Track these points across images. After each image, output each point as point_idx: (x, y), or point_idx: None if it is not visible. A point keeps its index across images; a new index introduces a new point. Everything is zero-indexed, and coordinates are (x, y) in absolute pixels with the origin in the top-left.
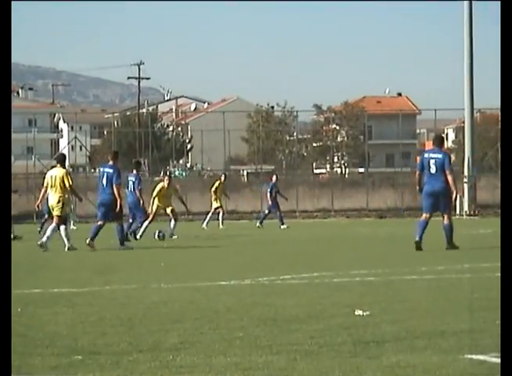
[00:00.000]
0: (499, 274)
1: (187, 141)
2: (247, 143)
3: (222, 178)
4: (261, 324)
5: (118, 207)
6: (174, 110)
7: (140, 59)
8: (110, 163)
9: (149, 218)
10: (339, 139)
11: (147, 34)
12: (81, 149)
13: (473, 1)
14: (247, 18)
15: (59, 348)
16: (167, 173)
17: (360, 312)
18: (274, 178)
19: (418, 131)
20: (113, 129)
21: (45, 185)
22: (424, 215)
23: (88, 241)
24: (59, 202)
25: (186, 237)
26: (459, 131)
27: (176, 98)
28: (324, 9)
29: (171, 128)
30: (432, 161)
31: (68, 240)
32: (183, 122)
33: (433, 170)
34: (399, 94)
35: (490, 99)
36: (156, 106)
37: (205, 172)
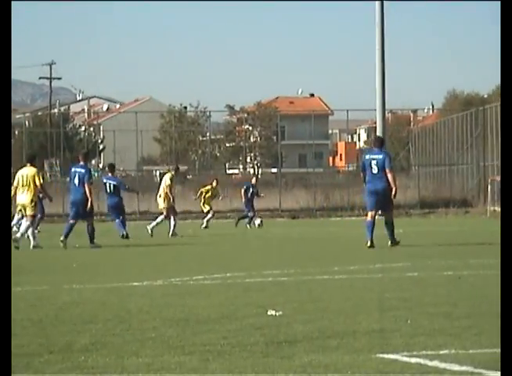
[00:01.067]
0: (416, 273)
1: (99, 141)
2: (160, 144)
3: (214, 183)
4: (173, 325)
5: (90, 205)
6: (86, 110)
7: (52, 59)
8: (81, 163)
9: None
10: (252, 139)
11: (58, 33)
12: None
13: (384, 2)
14: (158, 17)
15: None
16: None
17: (273, 313)
18: (254, 180)
19: (330, 131)
20: (24, 129)
21: (14, 184)
22: (370, 214)
23: (61, 238)
24: (31, 201)
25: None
26: (371, 131)
27: (88, 98)
28: (235, 8)
29: (83, 129)
30: (374, 162)
31: (34, 238)
32: (95, 122)
33: (375, 170)
34: (312, 95)
35: (401, 99)
36: (68, 107)
37: (118, 173)
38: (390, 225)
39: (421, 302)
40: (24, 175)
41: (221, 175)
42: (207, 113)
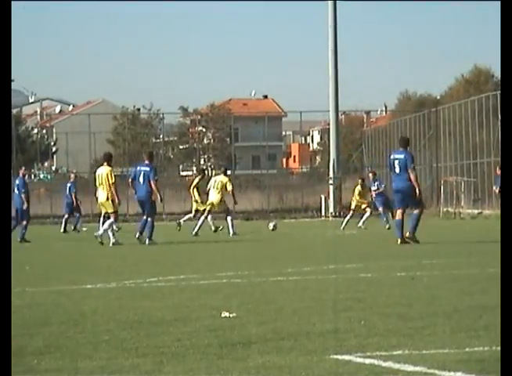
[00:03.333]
0: (369, 274)
1: (52, 144)
2: (113, 146)
3: (371, 175)
4: (127, 327)
5: (159, 199)
6: (38, 112)
7: None
8: (146, 162)
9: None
10: (205, 141)
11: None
12: None
13: (337, 2)
14: (108, 18)
15: None
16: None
17: (227, 314)
18: (371, 175)
19: (284, 133)
20: None
21: (97, 183)
22: (398, 213)
23: (147, 242)
24: (107, 199)
25: (55, 239)
26: (325, 133)
27: (41, 100)
28: (186, 8)
29: (35, 131)
30: (396, 162)
31: (113, 235)
32: (48, 125)
33: (397, 169)
34: (265, 96)
35: (354, 101)
36: (21, 109)
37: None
38: (416, 219)
39: (375, 303)
40: (100, 174)
41: (175, 177)
42: (161, 115)
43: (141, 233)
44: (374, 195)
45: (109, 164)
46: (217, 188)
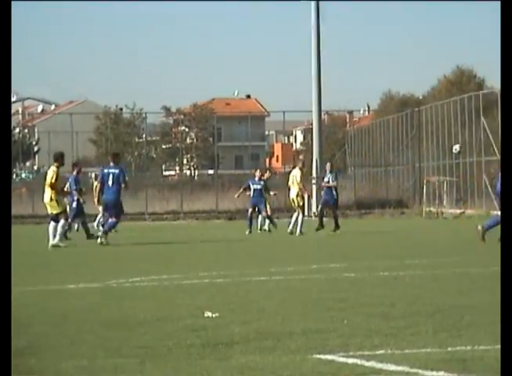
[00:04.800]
0: (352, 274)
1: (34, 143)
2: (96, 145)
3: None
4: (109, 327)
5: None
6: (20, 111)
7: None
8: (112, 164)
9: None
10: (188, 140)
11: None
12: None
13: (319, 2)
14: (90, 16)
15: None
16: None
17: (209, 314)
18: (257, 172)
19: (267, 133)
20: None
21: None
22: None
23: (100, 240)
24: (51, 200)
25: (37, 239)
26: (308, 132)
27: (23, 100)
28: (170, 8)
29: (17, 130)
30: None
31: (55, 236)
32: (30, 124)
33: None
34: (248, 96)
35: (337, 101)
36: None
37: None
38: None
39: (358, 303)
40: (47, 173)
41: (158, 177)
42: (143, 115)
43: (106, 233)
44: (273, 194)
45: (55, 165)
46: (293, 182)
